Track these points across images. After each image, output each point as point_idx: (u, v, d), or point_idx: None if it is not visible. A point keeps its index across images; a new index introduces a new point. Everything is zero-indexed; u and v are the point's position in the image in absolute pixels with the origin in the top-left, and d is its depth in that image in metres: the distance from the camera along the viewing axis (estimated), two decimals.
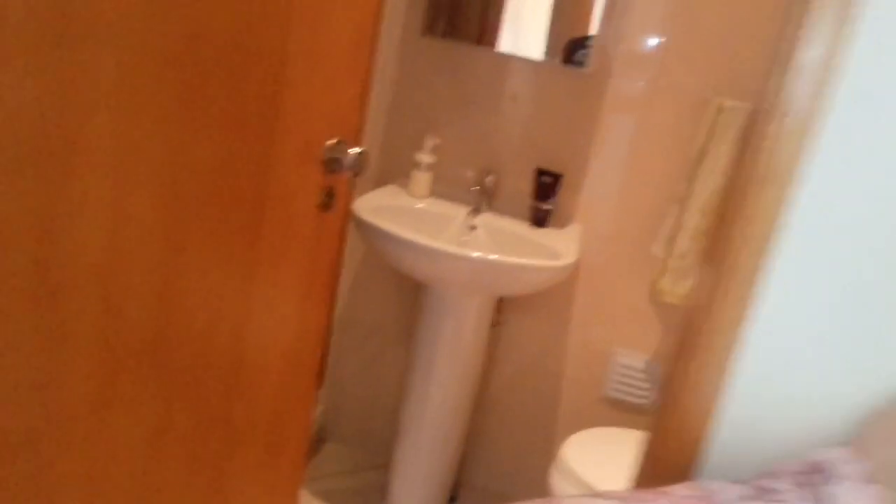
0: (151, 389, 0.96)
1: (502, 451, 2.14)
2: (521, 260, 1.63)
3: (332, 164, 1.22)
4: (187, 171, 0.90)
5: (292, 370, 1.35)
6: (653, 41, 1.77)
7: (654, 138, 1.82)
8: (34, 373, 0.76)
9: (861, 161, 0.57)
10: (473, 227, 1.85)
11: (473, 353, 1.85)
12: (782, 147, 0.53)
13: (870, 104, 0.55)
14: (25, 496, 0.80)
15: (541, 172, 1.85)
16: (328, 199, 1.25)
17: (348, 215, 1.69)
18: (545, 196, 1.85)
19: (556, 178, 1.84)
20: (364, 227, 1.68)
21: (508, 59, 1.85)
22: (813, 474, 0.49)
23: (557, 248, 1.75)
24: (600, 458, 1.65)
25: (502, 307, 2.00)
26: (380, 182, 1.98)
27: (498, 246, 1.81)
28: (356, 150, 1.24)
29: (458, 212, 1.86)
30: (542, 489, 1.82)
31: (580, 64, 1.79)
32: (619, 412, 2.01)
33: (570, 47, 1.79)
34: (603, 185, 1.87)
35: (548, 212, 1.86)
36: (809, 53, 0.52)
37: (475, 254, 1.60)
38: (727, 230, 0.58)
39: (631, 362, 1.96)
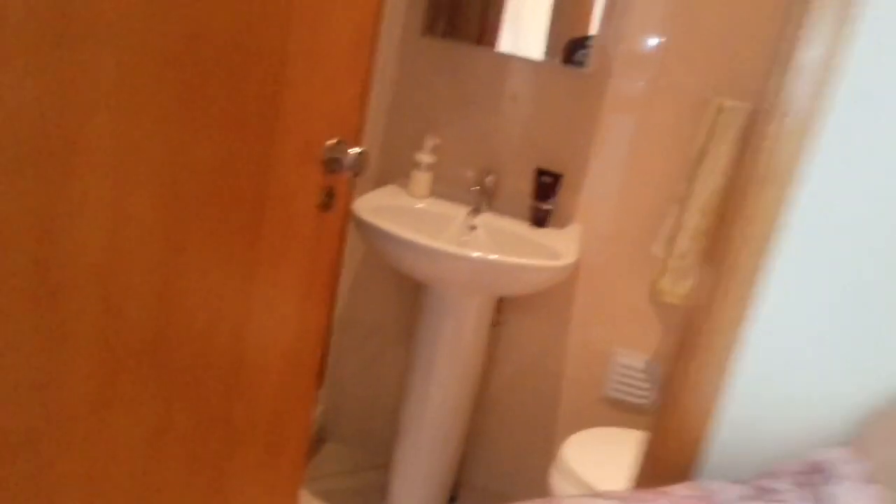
0: (151, 389, 0.96)
1: (502, 451, 2.14)
2: (520, 260, 1.63)
3: (331, 164, 1.22)
4: (187, 170, 0.90)
5: (292, 370, 1.35)
6: (653, 41, 1.77)
7: (654, 138, 1.82)
8: (34, 373, 0.76)
9: (861, 161, 0.57)
10: (473, 227, 1.85)
11: (473, 353, 1.85)
12: (782, 147, 0.53)
13: (870, 104, 0.55)
14: (25, 496, 0.80)
15: (541, 172, 1.85)
16: (328, 199, 1.26)
17: (348, 215, 1.69)
18: (545, 196, 1.85)
19: (556, 178, 1.84)
20: (364, 227, 1.68)
21: (508, 59, 1.85)
22: (813, 474, 0.49)
23: (557, 248, 1.75)
24: (600, 458, 1.65)
25: (502, 307, 2.00)
26: (380, 182, 1.98)
27: (498, 246, 1.81)
28: (356, 150, 1.24)
29: (458, 212, 1.86)
30: (542, 489, 1.82)
31: (580, 64, 1.79)
32: (619, 412, 2.01)
33: (570, 47, 1.79)
34: (603, 185, 1.87)
35: (548, 212, 1.86)
36: (809, 53, 0.52)
37: (475, 254, 1.60)
38: (727, 230, 0.58)
39: (631, 362, 1.96)
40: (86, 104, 0.72)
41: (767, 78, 0.57)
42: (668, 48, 1.76)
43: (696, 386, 0.58)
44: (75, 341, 0.80)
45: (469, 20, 1.84)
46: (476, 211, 1.87)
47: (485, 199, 1.89)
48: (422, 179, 1.88)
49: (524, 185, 1.89)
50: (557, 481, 1.62)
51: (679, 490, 0.53)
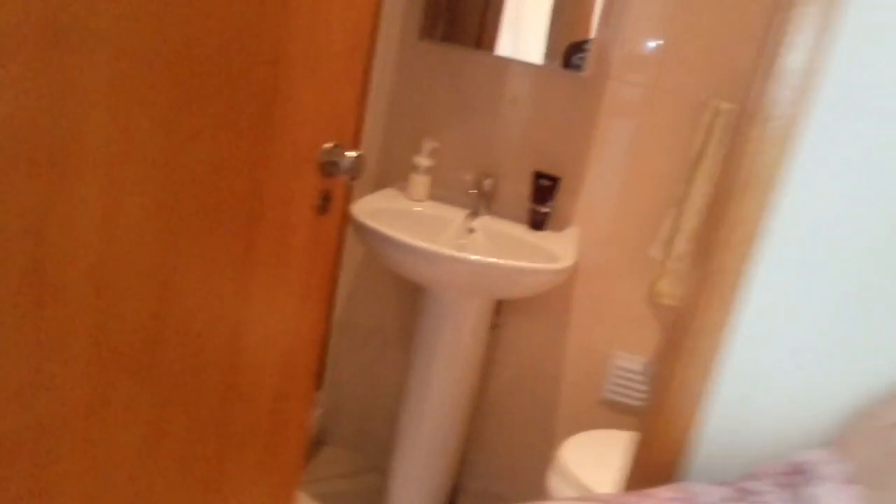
0: (148, 392, 0.97)
1: (501, 454, 2.15)
2: (519, 263, 1.63)
3: (328, 167, 1.23)
4: (182, 173, 0.90)
5: (290, 372, 1.35)
6: (651, 44, 1.78)
7: (653, 141, 1.82)
8: (29, 375, 0.76)
9: (843, 166, 0.57)
10: (472, 230, 1.86)
11: (472, 356, 1.85)
12: (765, 152, 0.53)
13: (852, 109, 0.55)
14: (22, 498, 0.81)
15: (539, 175, 1.85)
16: (325, 203, 1.26)
17: (345, 218, 1.70)
18: (543, 199, 1.85)
19: (555, 181, 1.85)
20: (363, 231, 1.69)
21: (507, 62, 1.86)
22: (795, 475, 0.49)
23: (555, 251, 1.75)
24: (599, 461, 1.66)
25: (501, 310, 2.01)
26: (378, 185, 1.98)
27: (496, 249, 1.81)
28: (353, 153, 1.25)
29: (457, 215, 1.87)
30: (541, 492, 1.82)
31: (578, 67, 1.79)
32: (617, 414, 2.01)
33: (569, 51, 1.80)
34: (601, 187, 1.88)
35: (546, 215, 1.86)
36: (792, 58, 0.53)
37: (473, 257, 1.60)
38: (712, 234, 0.58)
39: (629, 364, 1.96)
40: (80, 107, 0.72)
41: (751, 82, 0.57)
42: (666, 51, 1.76)
43: (681, 388, 0.59)
44: (70, 344, 0.80)
45: (467, 24, 1.85)
46: (474, 214, 1.87)
47: (483, 202, 1.89)
48: (420, 183, 1.89)
49: (522, 189, 1.90)
50: (556, 484, 1.63)
51: (662, 492, 0.54)
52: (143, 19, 0.77)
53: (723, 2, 1.72)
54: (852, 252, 0.58)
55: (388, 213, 1.80)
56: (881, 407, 0.52)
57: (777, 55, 0.53)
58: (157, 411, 1.00)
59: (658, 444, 0.61)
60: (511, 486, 2.15)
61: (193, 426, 1.10)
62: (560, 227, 1.91)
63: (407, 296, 2.07)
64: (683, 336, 0.59)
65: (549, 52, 1.81)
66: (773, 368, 0.61)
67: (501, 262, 1.62)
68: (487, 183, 1.88)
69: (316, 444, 2.21)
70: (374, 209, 1.77)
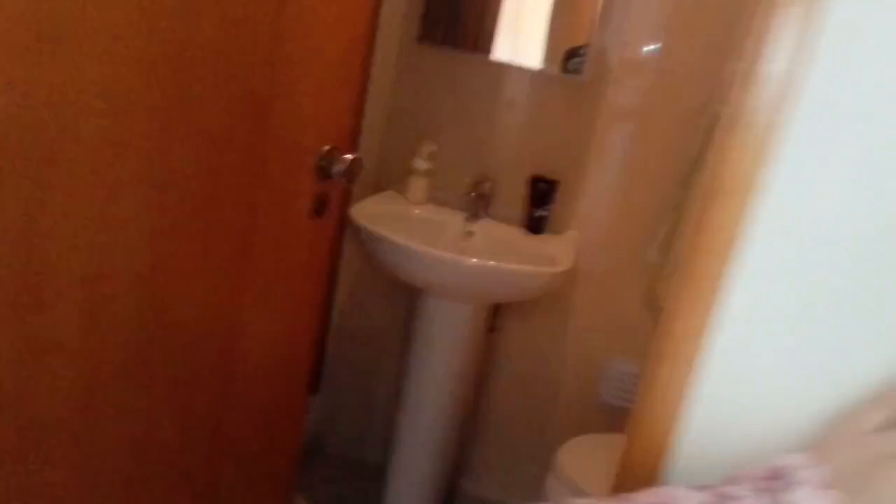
0: (138, 399, 0.96)
1: (499, 458, 2.14)
2: (517, 266, 1.64)
3: (324, 170, 1.23)
4: (175, 177, 0.90)
5: (284, 377, 1.35)
6: (649, 49, 1.78)
7: (650, 145, 1.82)
8: (18, 380, 0.76)
9: (823, 173, 0.57)
10: (470, 234, 1.86)
11: (469, 360, 1.85)
12: (745, 158, 0.53)
13: (831, 116, 0.56)
14: None
15: (537, 179, 1.85)
16: (321, 206, 1.26)
17: (342, 222, 1.70)
18: (542, 203, 1.85)
19: (553, 184, 1.85)
20: (361, 233, 1.69)
21: (506, 66, 1.86)
22: (773, 480, 0.49)
23: (553, 254, 1.75)
24: (597, 465, 1.65)
25: (499, 314, 2.01)
26: (377, 188, 1.99)
27: (494, 252, 1.81)
28: (349, 156, 1.25)
29: (455, 218, 1.87)
30: (539, 496, 1.81)
31: (577, 72, 1.79)
32: (615, 418, 2.01)
33: (567, 55, 1.80)
34: (599, 191, 1.88)
35: (544, 218, 1.86)
36: (772, 64, 0.53)
37: (472, 260, 1.60)
38: (693, 238, 0.59)
39: (627, 368, 1.96)
40: (72, 110, 0.72)
41: (730, 88, 0.58)
42: (665, 56, 1.76)
43: (662, 392, 0.59)
44: (61, 348, 0.80)
45: (466, 28, 1.85)
46: (473, 217, 1.87)
47: (481, 205, 1.89)
48: (419, 185, 1.89)
49: (521, 192, 1.90)
50: (554, 488, 1.62)
51: (642, 497, 0.54)
52: (136, 22, 0.77)
53: (721, 6, 1.72)
54: (831, 257, 0.58)
55: (387, 216, 1.80)
56: (860, 411, 0.52)
57: (757, 61, 0.53)
58: (147, 418, 0.99)
59: (640, 447, 0.61)
60: (509, 491, 2.15)
61: (184, 433, 1.10)
62: (558, 231, 1.90)
63: (404, 300, 2.07)
64: (665, 340, 0.60)
65: (548, 57, 1.81)
66: (753, 373, 0.61)
67: (499, 265, 1.62)
68: (486, 186, 1.88)
69: (312, 449, 2.21)
70: (373, 212, 1.78)
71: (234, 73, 0.96)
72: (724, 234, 0.55)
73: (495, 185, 1.91)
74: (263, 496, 1.40)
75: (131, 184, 0.83)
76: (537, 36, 1.82)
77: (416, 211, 1.88)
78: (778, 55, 0.53)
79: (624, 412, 1.97)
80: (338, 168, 1.24)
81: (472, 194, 1.89)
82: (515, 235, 1.85)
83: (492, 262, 1.62)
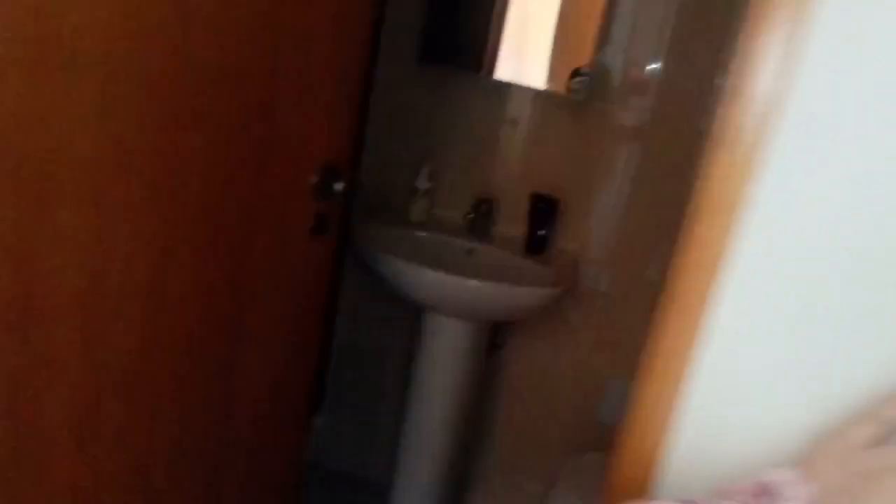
0: (138, 416, 0.96)
1: (501, 475, 2.13)
2: (517, 286, 1.64)
3: (325, 189, 1.24)
4: (173, 195, 0.91)
5: (285, 396, 1.35)
6: (652, 69, 1.79)
7: (654, 164, 1.82)
8: (15, 399, 0.77)
9: (809, 190, 0.58)
10: (470, 253, 1.86)
11: (472, 379, 1.85)
12: (731, 176, 0.54)
13: (817, 134, 0.56)
14: None
15: (538, 199, 1.86)
16: (321, 225, 1.27)
17: (342, 241, 1.71)
18: (542, 222, 1.86)
19: (554, 204, 1.85)
20: (362, 253, 1.70)
21: (507, 86, 1.87)
22: (760, 496, 0.49)
23: (554, 274, 1.76)
24: (597, 483, 1.64)
25: (501, 331, 2.01)
26: (378, 207, 2.00)
27: (495, 271, 1.82)
28: (348, 176, 1.26)
29: (456, 237, 1.87)
30: None
31: (579, 92, 1.80)
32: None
33: (570, 76, 1.81)
34: (602, 210, 1.88)
35: (545, 238, 1.87)
36: (757, 82, 0.54)
37: (472, 280, 1.61)
38: (680, 256, 0.59)
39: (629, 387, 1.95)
40: (69, 127, 0.72)
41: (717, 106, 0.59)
42: (668, 76, 1.77)
43: (651, 407, 0.59)
44: (58, 367, 0.80)
45: (467, 48, 1.86)
46: (474, 236, 1.87)
47: (482, 224, 1.90)
48: (420, 205, 1.90)
49: (521, 211, 1.90)
50: None
51: None
52: (134, 40, 0.77)
53: (723, 27, 1.73)
54: (818, 273, 0.58)
55: (388, 236, 1.81)
56: (847, 427, 0.52)
57: (742, 80, 0.54)
58: (145, 436, 0.99)
59: (628, 462, 0.61)
60: None
61: (185, 450, 1.10)
62: (559, 250, 1.91)
63: (406, 319, 2.07)
64: (653, 355, 0.60)
65: (552, 76, 1.82)
66: (741, 388, 0.61)
67: (500, 284, 1.62)
68: (487, 206, 1.89)
69: (314, 467, 2.21)
70: (374, 231, 1.79)
71: (233, 91, 0.96)
72: (712, 251, 0.56)
73: (496, 205, 1.92)
74: None
75: (128, 202, 0.83)
76: (541, 56, 1.83)
77: (417, 230, 1.88)
78: (763, 73, 0.54)
79: None
80: (338, 187, 1.25)
81: (473, 214, 1.90)
82: (516, 255, 1.85)
83: (492, 282, 1.62)
